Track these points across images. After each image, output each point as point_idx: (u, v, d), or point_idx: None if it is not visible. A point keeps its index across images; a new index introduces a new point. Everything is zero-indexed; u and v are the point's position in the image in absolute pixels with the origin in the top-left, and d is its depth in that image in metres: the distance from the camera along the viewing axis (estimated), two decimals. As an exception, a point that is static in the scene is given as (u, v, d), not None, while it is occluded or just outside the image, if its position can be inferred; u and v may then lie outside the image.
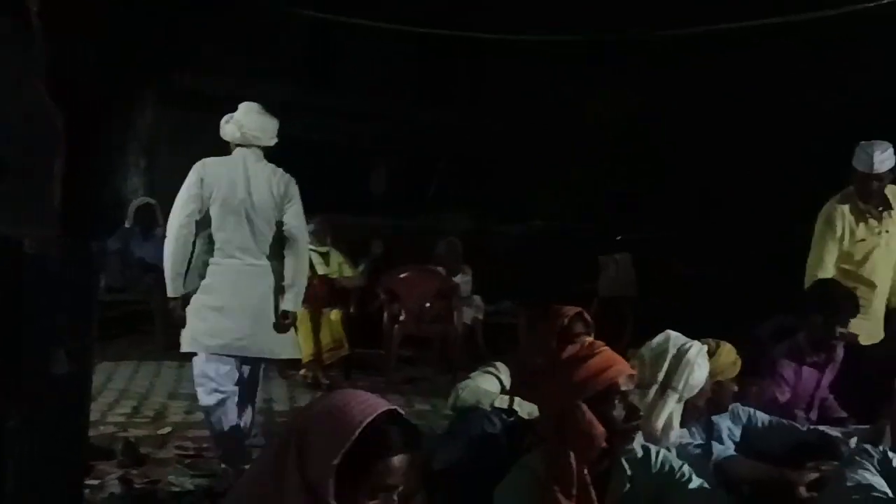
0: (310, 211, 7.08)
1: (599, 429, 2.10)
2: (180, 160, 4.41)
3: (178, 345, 4.10)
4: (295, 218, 4.07)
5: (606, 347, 2.21)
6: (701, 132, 8.30)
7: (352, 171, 9.56)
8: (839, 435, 3.09)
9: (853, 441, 3.08)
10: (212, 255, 3.93)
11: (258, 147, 4.02)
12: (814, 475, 2.71)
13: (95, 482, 3.81)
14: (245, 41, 8.72)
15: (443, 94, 9.52)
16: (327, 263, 6.68)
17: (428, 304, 6.59)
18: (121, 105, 8.54)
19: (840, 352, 3.81)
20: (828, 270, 4.19)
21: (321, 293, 6.50)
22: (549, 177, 9.33)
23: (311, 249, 6.59)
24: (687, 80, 8.17)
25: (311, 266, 6.52)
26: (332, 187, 8.80)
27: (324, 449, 1.51)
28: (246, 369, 4.09)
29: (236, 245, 3.93)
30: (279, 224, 4.03)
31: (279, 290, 4.03)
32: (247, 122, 4.00)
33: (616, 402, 2.13)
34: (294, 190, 4.09)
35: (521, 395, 3.07)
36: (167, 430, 4.84)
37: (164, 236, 4.04)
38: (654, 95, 8.53)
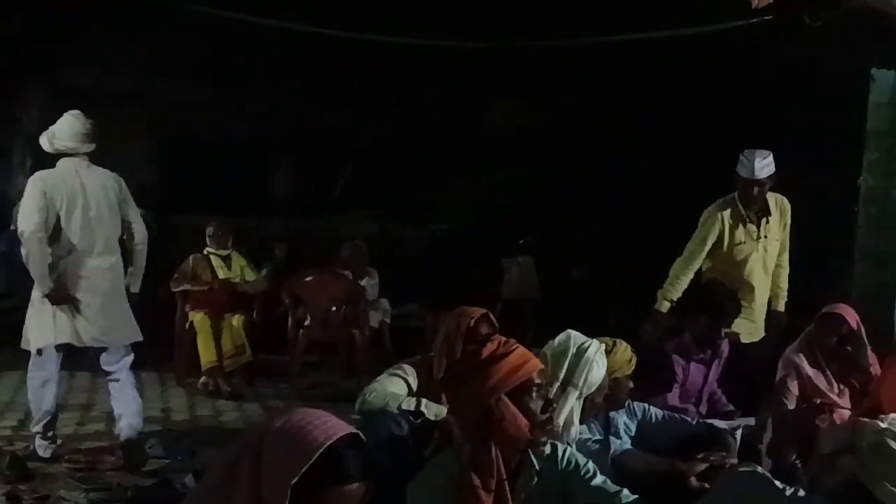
0: (211, 213, 7.02)
1: (524, 420, 2.16)
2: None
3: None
4: (134, 215, 4.43)
5: (519, 344, 2.27)
6: (600, 138, 8.57)
7: (254, 173, 9.37)
8: (726, 427, 3.25)
9: (739, 433, 3.25)
10: (62, 258, 4.19)
11: (82, 154, 4.26)
12: (703, 466, 2.85)
13: (-20, 499, 3.63)
14: (142, 37, 8.44)
15: (348, 96, 9.47)
16: (229, 267, 6.54)
17: (334, 309, 6.54)
18: (6, 103, 8.13)
19: (725, 348, 4.01)
20: (690, 271, 4.41)
21: (222, 298, 6.37)
22: (454, 180, 9.43)
23: (212, 253, 6.50)
24: (588, 86, 8.42)
25: (212, 270, 6.43)
26: (234, 189, 8.63)
27: (281, 468, 1.44)
28: (111, 359, 4.34)
29: (83, 247, 4.20)
30: (122, 223, 4.37)
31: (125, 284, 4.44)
32: (58, 133, 4.25)
33: (533, 394, 2.20)
34: (126, 189, 4.41)
35: (439, 398, 3.09)
36: (57, 442, 4.62)
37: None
38: (557, 101, 8.75)
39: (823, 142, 6.65)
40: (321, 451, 1.44)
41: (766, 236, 4.45)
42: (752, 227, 4.44)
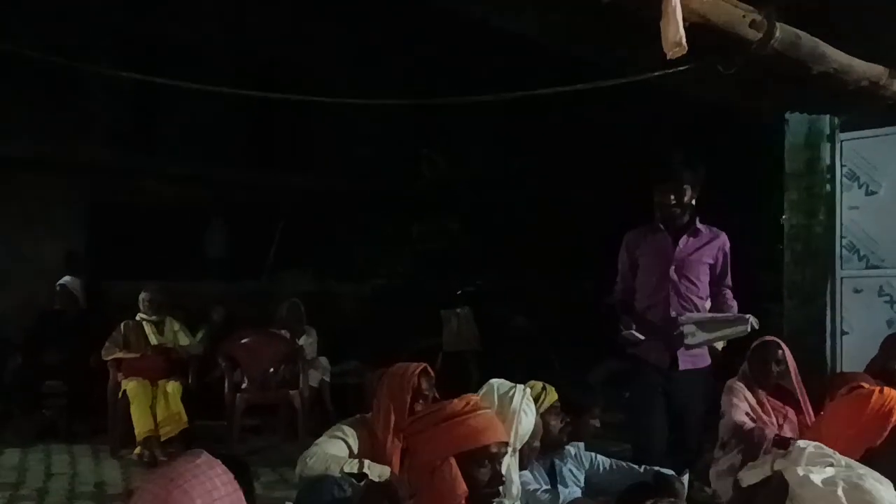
0: (144, 278, 6.83)
1: (462, 487, 2.10)
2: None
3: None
4: None
5: (488, 409, 2.21)
6: (531, 187, 8.71)
7: (186, 236, 9.19)
8: (673, 474, 3.25)
9: (686, 478, 3.27)
10: None
11: None
12: (652, 512, 2.83)
13: None
14: (63, 102, 8.26)
15: (276, 155, 9.43)
16: (161, 333, 6.38)
17: (272, 370, 6.40)
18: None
19: None
20: None
21: (155, 365, 6.21)
22: (388, 234, 9.43)
23: (144, 319, 6.32)
24: (515, 136, 8.58)
25: (144, 336, 6.25)
26: (167, 253, 8.44)
27: None
28: None
29: None
30: None
31: None
32: None
33: (485, 463, 2.14)
34: None
35: (381, 458, 3.01)
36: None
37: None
38: (484, 153, 8.89)
39: (747, 185, 6.89)
40: None
41: None
42: None
